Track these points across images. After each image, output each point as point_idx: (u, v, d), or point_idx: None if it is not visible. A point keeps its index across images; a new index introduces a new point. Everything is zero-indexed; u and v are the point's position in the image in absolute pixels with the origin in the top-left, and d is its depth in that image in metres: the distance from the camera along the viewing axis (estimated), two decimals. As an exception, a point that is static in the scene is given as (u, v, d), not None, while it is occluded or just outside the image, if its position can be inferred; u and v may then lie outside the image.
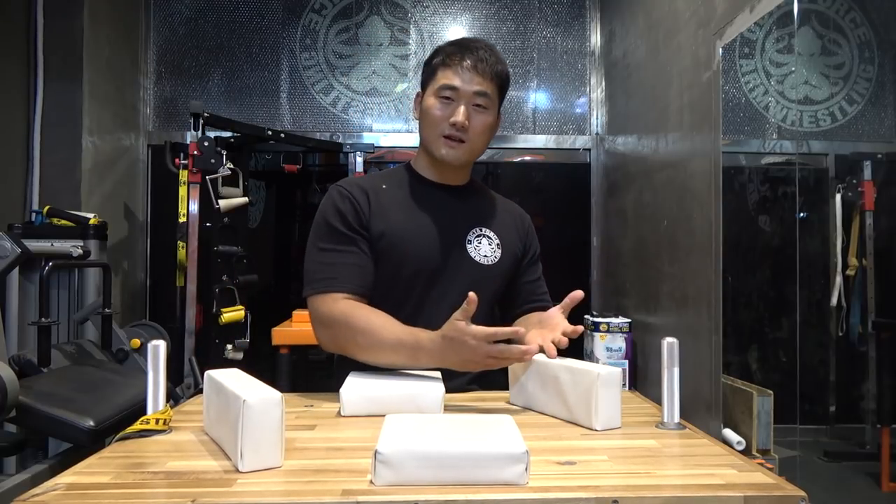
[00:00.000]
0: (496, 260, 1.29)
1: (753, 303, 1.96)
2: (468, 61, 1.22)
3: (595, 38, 3.01)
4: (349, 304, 1.17)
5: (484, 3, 3.02)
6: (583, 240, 2.99)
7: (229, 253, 2.41)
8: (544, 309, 1.34)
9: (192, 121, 2.31)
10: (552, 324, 1.16)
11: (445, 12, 3.02)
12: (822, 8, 1.99)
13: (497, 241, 1.31)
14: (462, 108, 1.22)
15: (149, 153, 2.94)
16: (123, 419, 1.38)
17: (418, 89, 1.33)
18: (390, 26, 3.01)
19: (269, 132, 2.55)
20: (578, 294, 1.15)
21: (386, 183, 1.31)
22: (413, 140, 2.87)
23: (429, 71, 1.29)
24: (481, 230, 1.30)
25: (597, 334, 2.27)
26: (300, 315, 2.40)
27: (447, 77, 1.23)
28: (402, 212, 1.27)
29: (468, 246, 1.27)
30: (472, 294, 0.99)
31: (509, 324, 1.37)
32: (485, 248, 1.28)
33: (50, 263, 1.78)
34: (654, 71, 2.11)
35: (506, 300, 1.38)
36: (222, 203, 2.33)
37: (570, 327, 1.12)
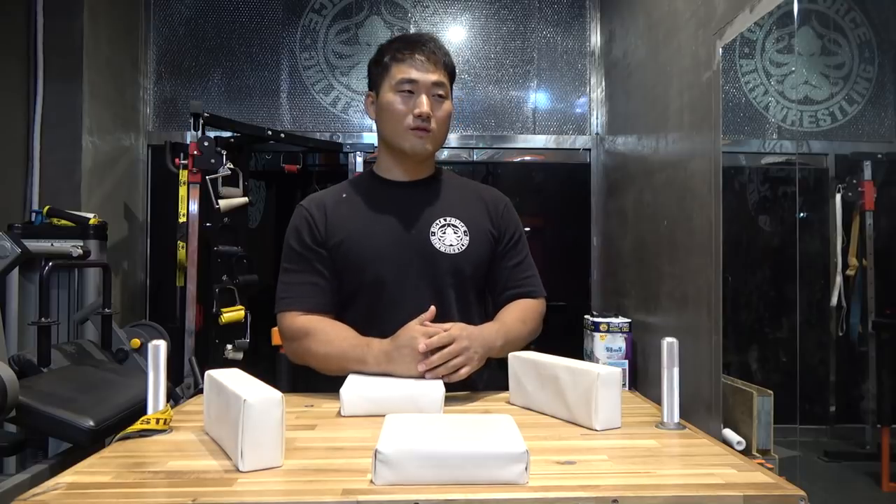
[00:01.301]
0: (463, 248, 1.28)
1: (753, 303, 1.95)
2: (421, 54, 1.25)
3: (595, 38, 3.01)
4: (308, 319, 1.24)
5: (484, 3, 3.02)
6: (583, 240, 2.99)
7: (229, 253, 2.41)
8: (527, 294, 1.34)
9: (192, 121, 2.31)
10: None
11: (445, 12, 3.02)
12: (822, 8, 1.99)
13: (464, 229, 1.30)
14: (424, 99, 1.24)
15: (149, 153, 2.95)
16: (123, 419, 1.39)
17: (367, 91, 1.35)
18: (390, 26, 3.01)
19: (269, 132, 2.55)
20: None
21: (347, 192, 1.35)
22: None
23: (380, 69, 1.30)
24: (446, 220, 1.30)
25: (597, 334, 2.27)
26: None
27: (403, 71, 1.25)
28: (361, 217, 1.29)
29: (432, 238, 1.28)
30: (432, 308, 1.14)
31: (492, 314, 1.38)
32: (450, 237, 1.28)
33: (50, 263, 1.78)
34: (654, 71, 2.11)
35: (488, 287, 1.38)
36: (222, 203, 2.33)
37: None
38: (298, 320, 1.24)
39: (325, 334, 1.21)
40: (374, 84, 1.32)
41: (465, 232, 1.30)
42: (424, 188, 1.35)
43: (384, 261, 1.25)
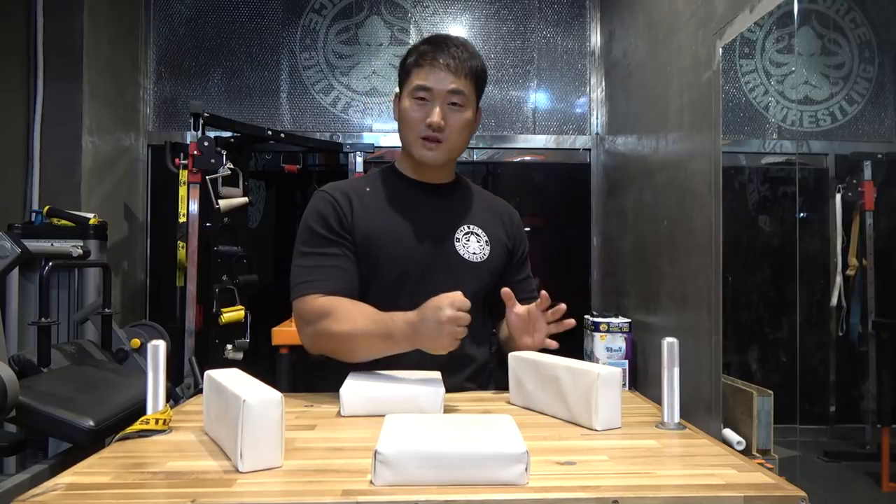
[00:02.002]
0: (485, 257, 1.28)
1: (753, 303, 1.95)
2: (440, 60, 1.21)
3: (595, 38, 3.01)
4: (329, 299, 1.17)
5: (484, 3, 3.02)
6: (583, 240, 2.99)
7: (229, 253, 2.41)
8: None
9: (192, 121, 2.31)
10: (538, 327, 1.21)
11: (445, 12, 3.02)
12: (822, 8, 1.99)
13: (486, 238, 1.30)
14: (437, 109, 1.20)
15: (149, 153, 2.95)
16: (123, 419, 1.38)
17: (396, 89, 1.32)
18: (390, 26, 3.01)
19: (269, 132, 2.55)
20: (545, 299, 1.19)
21: (370, 186, 1.32)
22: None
23: (403, 71, 1.28)
24: (470, 227, 1.30)
25: (597, 334, 2.27)
26: (300, 315, 2.40)
27: (420, 77, 1.21)
28: (386, 214, 1.27)
29: (457, 244, 1.27)
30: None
31: (497, 323, 1.38)
32: (473, 245, 1.28)
33: (50, 263, 1.77)
34: (654, 71, 2.11)
35: (494, 299, 1.34)
36: (222, 203, 2.33)
37: (555, 329, 1.20)
38: (318, 301, 1.17)
39: (347, 312, 1.14)
40: (400, 85, 1.29)
41: (486, 241, 1.30)
42: (449, 193, 1.33)
43: (410, 261, 1.23)
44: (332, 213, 1.24)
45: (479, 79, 1.27)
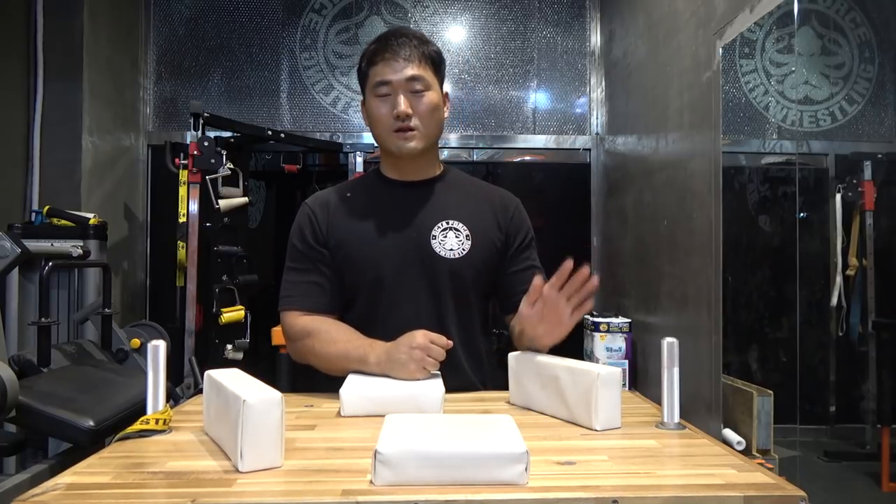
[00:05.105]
0: (464, 252, 1.26)
1: (753, 303, 1.95)
2: (390, 52, 1.22)
3: (595, 38, 3.01)
4: (311, 319, 1.24)
5: (484, 3, 3.02)
6: (583, 240, 2.99)
7: (229, 253, 2.41)
8: None
9: (192, 121, 2.31)
10: (556, 313, 1.08)
11: (445, 12, 3.02)
12: (822, 8, 1.99)
13: (466, 233, 1.28)
14: (401, 98, 1.21)
15: (149, 153, 2.95)
16: (123, 419, 1.38)
17: (361, 98, 1.33)
18: (390, 26, 3.01)
19: (269, 132, 2.55)
20: (569, 266, 1.08)
21: (352, 191, 1.34)
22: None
23: (362, 76, 1.29)
24: (448, 223, 1.28)
25: (597, 334, 2.27)
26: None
27: (378, 73, 1.23)
28: (361, 218, 1.28)
29: (433, 241, 1.26)
30: (449, 342, 1.12)
31: (508, 320, 1.35)
32: (451, 241, 1.27)
33: (50, 263, 1.77)
34: (654, 71, 2.11)
35: (496, 292, 1.34)
36: (222, 203, 2.33)
37: (578, 300, 1.07)
38: (300, 320, 1.24)
39: (328, 334, 1.21)
40: (362, 90, 1.31)
41: (467, 236, 1.28)
42: (429, 189, 1.33)
43: (383, 263, 1.25)
44: (309, 228, 1.29)
45: (434, 62, 1.27)
